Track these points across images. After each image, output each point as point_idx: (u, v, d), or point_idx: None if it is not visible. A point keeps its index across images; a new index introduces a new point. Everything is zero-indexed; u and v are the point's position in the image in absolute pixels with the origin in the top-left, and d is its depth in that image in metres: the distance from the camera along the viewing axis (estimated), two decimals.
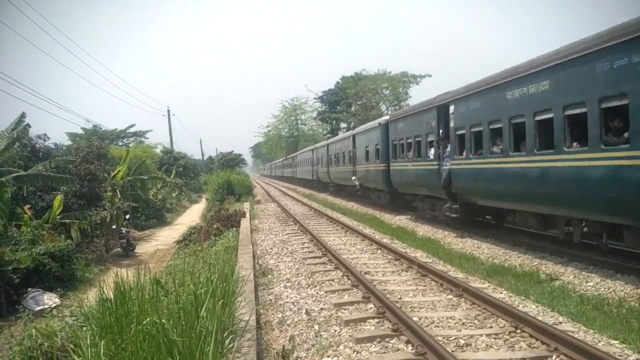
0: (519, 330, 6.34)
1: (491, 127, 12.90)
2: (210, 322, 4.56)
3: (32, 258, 13.13)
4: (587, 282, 8.92)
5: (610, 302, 7.76)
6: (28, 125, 26.81)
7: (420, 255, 12.13)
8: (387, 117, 24.33)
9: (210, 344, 4.10)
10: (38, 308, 11.51)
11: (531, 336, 6.12)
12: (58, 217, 18.18)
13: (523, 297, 8.27)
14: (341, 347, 6.05)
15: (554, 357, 5.53)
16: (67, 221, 18.53)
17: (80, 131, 48.64)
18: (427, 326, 6.66)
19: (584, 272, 9.55)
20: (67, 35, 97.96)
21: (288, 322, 7.27)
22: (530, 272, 9.90)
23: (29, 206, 18.94)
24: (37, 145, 25.62)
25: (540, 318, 6.73)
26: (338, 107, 60.83)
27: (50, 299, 12.24)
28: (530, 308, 7.55)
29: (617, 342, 6.10)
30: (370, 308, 7.56)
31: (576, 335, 6.04)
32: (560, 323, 6.79)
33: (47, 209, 18.97)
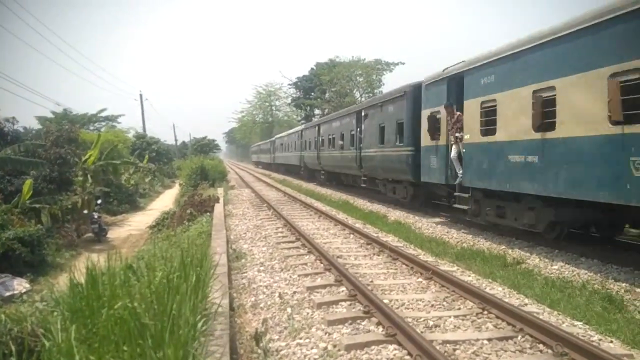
0: (486, 312, 6.52)
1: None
2: (183, 306, 4.58)
3: (1, 243, 12.93)
4: (552, 266, 9.17)
5: (574, 285, 8.00)
6: None
7: (391, 239, 12.28)
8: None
9: (182, 327, 4.13)
10: (7, 293, 11.38)
11: (498, 317, 6.30)
12: (28, 201, 17.89)
13: (490, 280, 8.48)
14: (313, 329, 6.13)
15: (519, 337, 5.69)
16: (37, 206, 18.25)
17: (50, 115, 47.60)
18: (398, 308, 6.79)
19: (549, 256, 9.83)
20: (36, 17, 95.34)
21: (261, 305, 7.33)
22: (497, 255, 10.13)
23: None
24: (5, 129, 25.07)
25: (506, 300, 6.92)
26: (312, 94, 60.79)
27: (20, 285, 12.09)
28: (497, 290, 7.75)
29: (581, 323, 6.30)
30: (342, 291, 7.66)
31: (541, 317, 6.22)
32: (526, 305, 7.00)
33: (16, 193, 18.65)
